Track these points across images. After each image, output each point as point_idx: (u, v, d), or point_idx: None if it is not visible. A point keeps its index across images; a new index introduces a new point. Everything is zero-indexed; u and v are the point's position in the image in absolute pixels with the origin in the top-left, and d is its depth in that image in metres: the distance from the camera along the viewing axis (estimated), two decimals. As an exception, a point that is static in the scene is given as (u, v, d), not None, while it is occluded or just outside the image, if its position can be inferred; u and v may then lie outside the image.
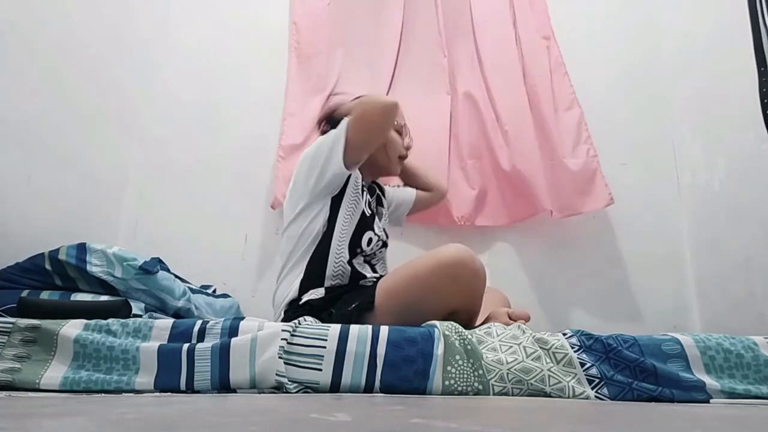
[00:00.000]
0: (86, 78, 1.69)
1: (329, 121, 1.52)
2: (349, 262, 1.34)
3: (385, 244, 1.50)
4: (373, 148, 1.40)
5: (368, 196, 1.46)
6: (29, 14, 1.44)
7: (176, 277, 1.45)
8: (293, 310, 1.27)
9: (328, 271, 1.31)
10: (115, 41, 1.83)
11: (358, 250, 1.37)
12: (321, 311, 1.23)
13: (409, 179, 1.73)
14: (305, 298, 1.27)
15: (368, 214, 1.41)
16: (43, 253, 1.31)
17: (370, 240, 1.39)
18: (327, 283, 1.31)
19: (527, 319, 1.23)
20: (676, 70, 2.06)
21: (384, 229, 1.52)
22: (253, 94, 2.06)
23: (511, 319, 1.24)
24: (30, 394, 0.90)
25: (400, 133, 1.53)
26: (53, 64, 1.53)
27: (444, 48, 2.03)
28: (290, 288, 1.31)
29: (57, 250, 1.31)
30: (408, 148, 1.56)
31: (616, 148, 2.05)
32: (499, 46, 2.04)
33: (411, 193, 1.72)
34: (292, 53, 2.04)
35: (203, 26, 2.14)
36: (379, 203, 1.58)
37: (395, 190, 1.71)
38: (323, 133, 1.51)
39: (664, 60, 2.12)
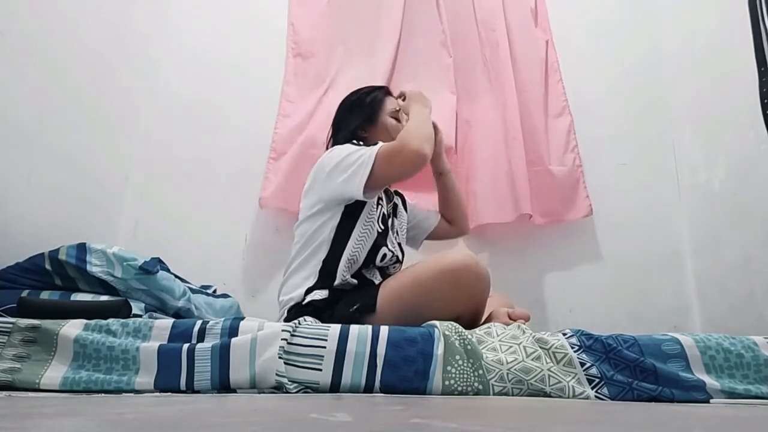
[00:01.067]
0: (86, 78, 1.69)
1: (372, 111, 1.49)
2: (358, 276, 1.32)
3: (398, 260, 1.44)
4: (394, 183, 1.40)
5: (383, 209, 1.41)
6: (29, 14, 1.44)
7: (176, 277, 1.45)
8: (295, 311, 1.27)
9: (337, 281, 1.29)
10: (115, 42, 1.83)
11: (372, 265, 1.35)
12: (322, 312, 1.23)
13: (444, 198, 1.64)
14: (309, 298, 1.27)
15: (381, 230, 1.36)
16: (43, 253, 1.31)
17: (384, 256, 1.35)
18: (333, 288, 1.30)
19: (527, 319, 1.23)
20: (676, 70, 2.06)
21: (399, 244, 1.47)
22: (253, 94, 2.06)
23: (511, 318, 1.24)
24: (30, 394, 0.90)
25: (397, 119, 1.50)
26: (53, 64, 1.53)
27: (449, 48, 2.03)
28: (296, 291, 1.30)
29: (57, 250, 1.30)
30: None
31: (616, 148, 2.06)
32: (499, 48, 2.04)
33: (434, 219, 1.64)
34: (289, 54, 2.05)
35: (203, 26, 2.14)
36: (395, 213, 1.52)
37: (419, 210, 1.65)
38: (350, 107, 1.50)
39: (664, 60, 2.12)
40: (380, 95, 1.53)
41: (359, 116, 1.48)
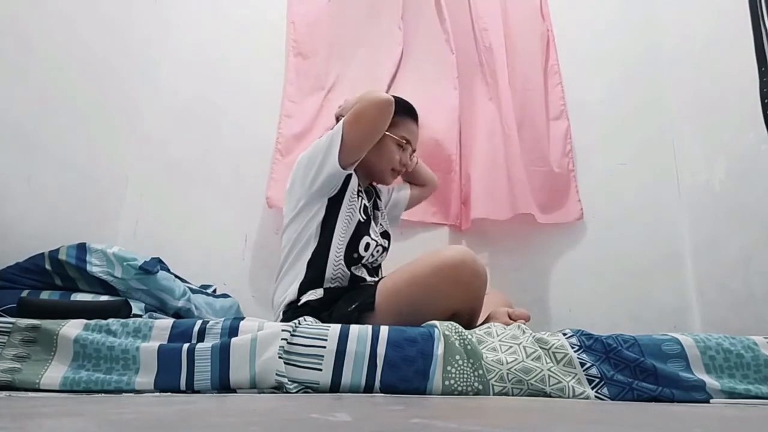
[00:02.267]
0: (86, 78, 1.68)
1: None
2: (348, 267, 1.33)
3: (385, 249, 1.48)
4: (369, 146, 1.37)
5: (364, 201, 1.45)
6: (29, 14, 1.44)
7: (176, 277, 1.45)
8: (292, 311, 1.26)
9: (327, 274, 1.30)
10: (114, 41, 1.83)
11: (355, 256, 1.35)
12: (320, 312, 1.23)
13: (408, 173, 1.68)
14: (304, 299, 1.27)
15: (363, 220, 1.39)
16: (43, 253, 1.31)
17: (367, 245, 1.37)
18: (326, 285, 1.31)
19: (527, 319, 1.23)
20: (676, 69, 2.06)
21: (382, 233, 1.50)
22: (253, 94, 2.06)
23: (511, 318, 1.24)
24: (30, 394, 0.90)
25: (401, 146, 1.48)
26: (53, 64, 1.53)
27: (452, 45, 2.04)
28: (289, 289, 1.31)
29: (57, 250, 1.31)
30: (404, 165, 1.51)
31: (616, 148, 2.06)
32: (493, 47, 2.04)
33: (405, 192, 1.70)
34: (289, 53, 2.05)
35: (203, 26, 2.14)
36: (376, 207, 1.56)
37: (389, 189, 1.69)
38: None
39: (664, 60, 2.12)
40: (402, 108, 1.46)
41: None
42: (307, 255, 1.33)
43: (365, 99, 1.34)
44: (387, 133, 1.42)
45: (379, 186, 1.65)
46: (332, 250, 1.32)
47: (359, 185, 1.42)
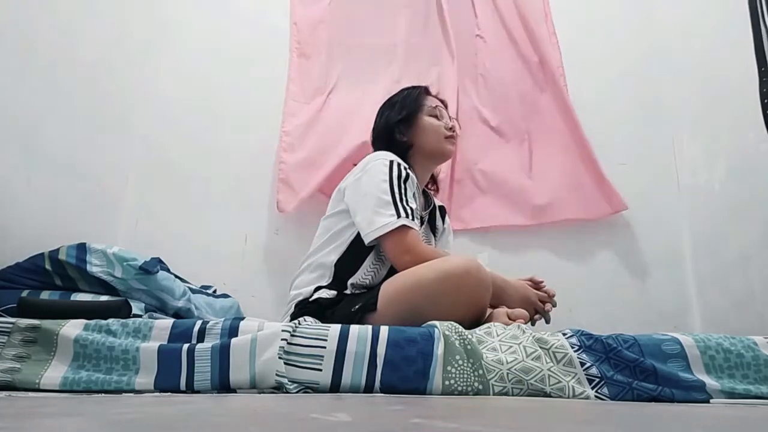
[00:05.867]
0: (86, 78, 1.69)
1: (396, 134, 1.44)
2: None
3: None
4: None
5: (418, 221, 1.35)
6: (28, 14, 1.44)
7: (176, 277, 1.45)
8: (302, 306, 1.28)
9: (353, 280, 1.31)
10: (114, 42, 1.83)
11: None
12: (326, 309, 1.24)
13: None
14: (317, 295, 1.29)
15: None
16: (43, 253, 1.31)
17: None
18: (347, 288, 1.31)
19: (526, 319, 1.23)
20: (675, 69, 2.06)
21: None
22: (253, 95, 2.06)
23: (510, 319, 1.24)
24: (30, 394, 0.90)
25: (436, 116, 1.47)
26: (53, 65, 1.53)
27: (453, 51, 2.04)
28: (308, 286, 1.32)
29: (57, 250, 1.31)
30: (452, 129, 1.49)
31: (616, 148, 2.06)
32: (499, 55, 2.05)
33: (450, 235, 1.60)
34: (293, 53, 2.05)
35: (203, 27, 2.14)
36: (432, 219, 1.50)
37: (448, 233, 1.60)
38: (387, 109, 1.48)
39: (664, 59, 2.12)
40: (415, 93, 1.51)
41: (396, 118, 1.46)
42: (332, 262, 1.32)
43: (408, 262, 1.23)
44: (419, 116, 1.45)
45: (441, 208, 1.59)
46: (356, 277, 1.31)
47: (416, 188, 1.37)
